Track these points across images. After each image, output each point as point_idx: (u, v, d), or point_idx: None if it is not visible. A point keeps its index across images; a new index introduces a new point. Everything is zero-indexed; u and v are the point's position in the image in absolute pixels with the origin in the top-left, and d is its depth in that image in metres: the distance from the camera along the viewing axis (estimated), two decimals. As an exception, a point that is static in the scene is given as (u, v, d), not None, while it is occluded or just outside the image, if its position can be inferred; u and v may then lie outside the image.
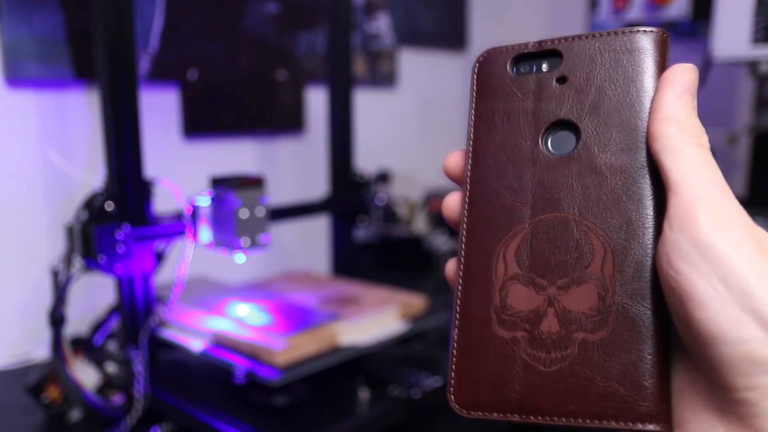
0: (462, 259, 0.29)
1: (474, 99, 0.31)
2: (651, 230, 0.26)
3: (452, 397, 0.28)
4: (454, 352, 0.28)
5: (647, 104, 0.27)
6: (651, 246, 0.26)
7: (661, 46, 0.28)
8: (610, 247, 0.26)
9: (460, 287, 0.29)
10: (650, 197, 0.26)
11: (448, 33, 1.57)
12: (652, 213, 0.26)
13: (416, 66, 1.49)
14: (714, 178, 0.24)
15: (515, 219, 0.28)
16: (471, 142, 0.30)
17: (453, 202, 0.31)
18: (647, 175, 0.26)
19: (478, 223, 0.29)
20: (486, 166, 0.30)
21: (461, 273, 0.29)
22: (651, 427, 0.24)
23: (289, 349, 0.67)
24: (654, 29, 0.28)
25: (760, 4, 0.84)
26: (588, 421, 0.25)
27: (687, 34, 1.31)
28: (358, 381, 0.72)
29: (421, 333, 0.83)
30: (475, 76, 0.31)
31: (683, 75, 0.26)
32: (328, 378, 0.72)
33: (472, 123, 0.31)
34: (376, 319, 0.77)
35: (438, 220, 1.31)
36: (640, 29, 0.28)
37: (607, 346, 0.25)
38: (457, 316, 0.29)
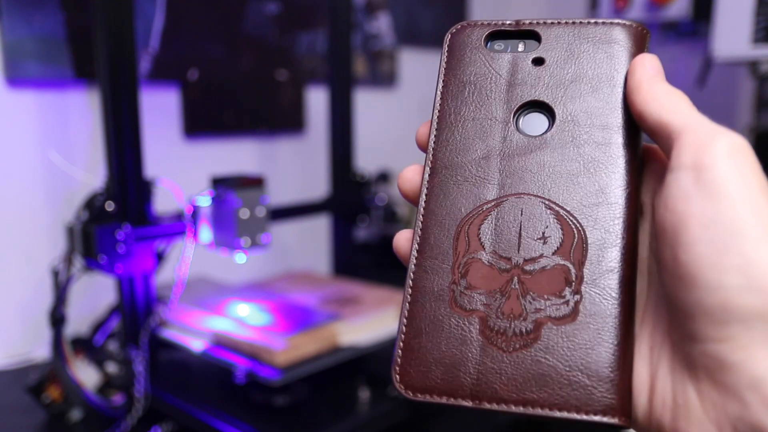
0: (419, 231, 0.28)
1: (444, 70, 0.30)
2: (621, 214, 0.25)
3: (397, 377, 0.25)
4: (404, 328, 0.26)
5: (620, 93, 0.27)
6: (621, 231, 0.25)
7: (638, 40, 0.28)
8: (579, 231, 0.25)
9: (414, 261, 0.27)
10: (618, 185, 0.26)
11: (449, 33, 1.57)
12: (621, 198, 0.26)
13: (416, 66, 1.49)
14: (719, 126, 0.24)
15: (481, 195, 0.27)
16: (437, 113, 0.29)
17: (411, 174, 0.29)
18: (616, 162, 0.26)
19: (440, 196, 0.28)
20: (452, 139, 0.29)
21: (416, 246, 0.27)
22: (611, 420, 0.23)
23: (289, 349, 0.67)
24: (632, 23, 0.28)
25: (760, 4, 0.84)
26: (548, 410, 0.24)
27: (687, 34, 1.32)
28: (358, 381, 0.72)
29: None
30: (446, 46, 0.30)
31: (651, 59, 0.26)
32: (328, 378, 0.72)
33: (439, 94, 0.29)
34: (376, 319, 0.77)
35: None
36: (619, 22, 0.28)
37: (572, 333, 0.24)
38: (410, 290, 0.27)
